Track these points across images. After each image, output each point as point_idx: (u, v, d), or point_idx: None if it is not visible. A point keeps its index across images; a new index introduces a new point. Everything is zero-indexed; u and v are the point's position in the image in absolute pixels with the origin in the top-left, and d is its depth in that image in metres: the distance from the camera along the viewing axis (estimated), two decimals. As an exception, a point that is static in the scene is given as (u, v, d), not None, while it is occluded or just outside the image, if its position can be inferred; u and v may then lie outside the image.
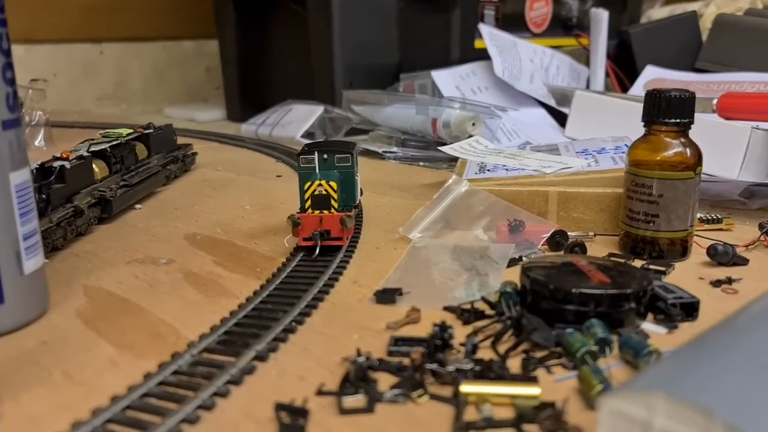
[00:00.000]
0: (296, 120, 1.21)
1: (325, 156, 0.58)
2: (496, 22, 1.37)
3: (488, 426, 0.34)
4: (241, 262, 0.58)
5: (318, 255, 0.55)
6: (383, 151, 1.04)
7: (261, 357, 0.41)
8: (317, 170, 0.57)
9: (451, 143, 0.92)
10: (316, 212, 0.55)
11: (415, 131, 1.08)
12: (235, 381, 0.38)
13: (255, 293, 0.49)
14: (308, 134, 1.19)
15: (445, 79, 1.17)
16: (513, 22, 1.44)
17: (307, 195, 0.55)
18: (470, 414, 0.35)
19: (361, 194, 0.64)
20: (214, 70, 1.82)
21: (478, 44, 1.39)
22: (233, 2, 1.48)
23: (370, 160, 1.03)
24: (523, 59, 1.19)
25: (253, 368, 0.39)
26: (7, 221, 0.43)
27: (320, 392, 0.37)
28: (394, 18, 1.35)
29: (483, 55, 1.24)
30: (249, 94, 1.55)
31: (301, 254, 0.57)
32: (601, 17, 1.17)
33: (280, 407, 0.35)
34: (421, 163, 1.01)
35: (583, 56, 1.37)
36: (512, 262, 0.55)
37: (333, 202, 0.55)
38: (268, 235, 0.65)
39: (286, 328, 0.44)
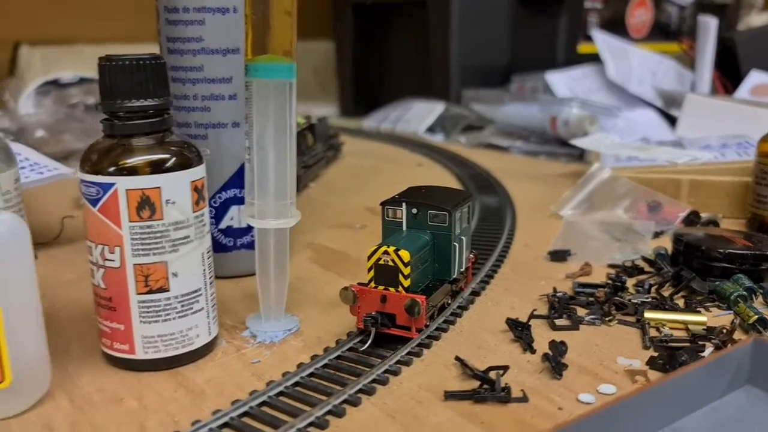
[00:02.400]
0: (418, 116, 1.35)
1: (415, 210, 0.46)
2: (599, 28, 1.48)
3: (670, 341, 0.46)
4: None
5: (374, 344, 0.43)
6: (508, 146, 1.17)
7: (476, 293, 0.54)
8: (404, 227, 0.46)
9: (569, 140, 1.04)
10: (380, 288, 0.43)
11: (533, 128, 1.20)
12: (464, 306, 0.51)
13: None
14: (429, 130, 1.33)
15: (558, 80, 1.28)
16: (614, 28, 1.54)
17: (370, 263, 0.43)
18: (652, 334, 0.47)
19: (473, 260, 0.52)
20: (322, 71, 1.97)
21: (581, 49, 1.51)
22: (352, 8, 1.62)
23: (496, 153, 1.15)
24: (633, 63, 1.30)
25: (473, 300, 0.52)
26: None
27: (533, 315, 0.49)
28: (506, 23, 1.47)
29: (586, 60, 1.35)
30: (362, 92, 1.70)
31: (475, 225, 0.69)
32: (709, 24, 1.26)
33: (509, 321, 0.48)
34: (542, 157, 1.13)
35: (686, 61, 1.47)
36: (654, 236, 0.67)
37: (401, 277, 0.42)
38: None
39: (487, 274, 0.57)
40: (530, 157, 1.13)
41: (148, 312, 0.40)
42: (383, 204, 0.47)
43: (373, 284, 0.43)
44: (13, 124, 1.03)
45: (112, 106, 0.39)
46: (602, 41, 1.29)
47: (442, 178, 0.96)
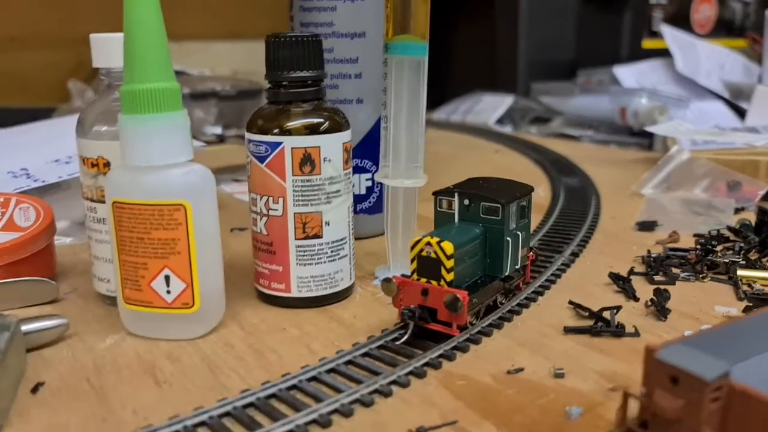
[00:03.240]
0: (488, 108, 1.40)
1: (467, 202, 0.44)
2: (663, 23, 1.52)
3: (762, 295, 0.51)
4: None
5: (411, 340, 0.41)
6: (578, 135, 1.22)
7: (575, 254, 0.59)
8: (456, 219, 0.45)
9: (639, 130, 1.09)
10: (422, 280, 0.41)
11: (602, 119, 1.24)
12: (567, 264, 0.57)
13: (536, 231, 0.68)
14: (498, 121, 1.38)
15: (626, 73, 1.33)
16: (678, 24, 1.58)
17: (413, 254, 0.42)
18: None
19: (533, 258, 0.49)
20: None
21: (646, 45, 1.55)
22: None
23: (567, 142, 1.20)
24: (701, 56, 1.34)
25: (573, 260, 0.58)
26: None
27: (632, 272, 0.55)
28: (572, 19, 1.52)
29: (650, 55, 1.40)
30: (430, 85, 1.76)
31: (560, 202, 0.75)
32: (777, 19, 1.30)
33: (611, 275, 0.53)
34: (612, 146, 1.18)
35: (752, 56, 1.50)
36: (734, 212, 0.72)
37: (444, 270, 0.40)
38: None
39: (582, 240, 0.63)
40: (601, 146, 1.17)
41: (303, 255, 0.47)
42: (436, 194, 0.45)
43: (415, 276, 0.42)
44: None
45: (278, 76, 0.46)
46: (670, 35, 1.33)
47: (521, 163, 1.02)
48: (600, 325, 0.45)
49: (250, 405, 0.36)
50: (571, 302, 0.48)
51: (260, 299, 0.50)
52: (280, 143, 0.45)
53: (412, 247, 0.42)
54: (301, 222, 0.46)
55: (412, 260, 0.42)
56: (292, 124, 0.45)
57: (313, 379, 0.38)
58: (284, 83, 0.46)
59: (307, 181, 0.46)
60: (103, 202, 0.46)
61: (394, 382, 0.38)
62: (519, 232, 0.45)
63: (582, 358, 0.41)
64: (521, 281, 0.49)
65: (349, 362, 0.40)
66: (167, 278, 0.42)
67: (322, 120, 0.46)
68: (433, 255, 0.41)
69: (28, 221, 0.51)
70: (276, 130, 0.45)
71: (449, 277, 0.41)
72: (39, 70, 1.53)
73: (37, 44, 1.55)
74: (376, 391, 0.37)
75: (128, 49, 0.40)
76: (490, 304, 0.45)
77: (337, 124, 0.47)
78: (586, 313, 0.47)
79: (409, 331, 0.41)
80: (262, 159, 0.46)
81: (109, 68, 0.47)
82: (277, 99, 0.47)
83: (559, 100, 1.33)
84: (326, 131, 0.46)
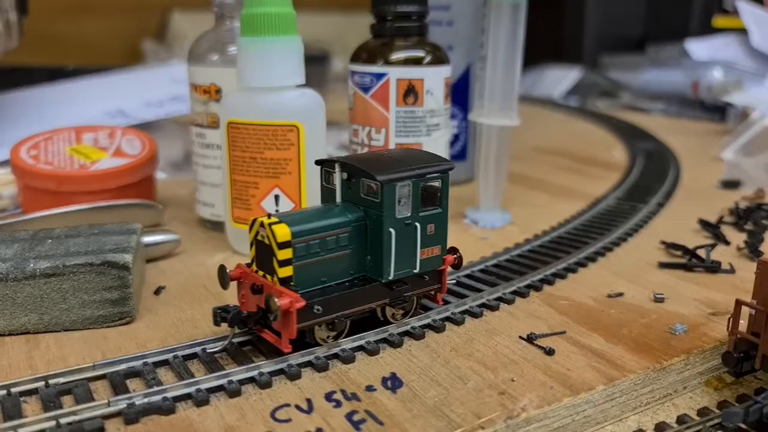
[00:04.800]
0: (554, 81, 1.41)
1: (346, 176, 0.35)
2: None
3: None
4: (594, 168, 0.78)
5: (233, 348, 0.33)
6: (647, 108, 1.22)
7: (661, 204, 0.60)
8: (337, 198, 0.35)
9: (711, 103, 1.09)
10: (260, 273, 0.33)
11: (672, 93, 1.24)
12: (654, 212, 0.58)
13: (619, 184, 0.69)
14: (566, 95, 1.39)
15: (699, 48, 1.32)
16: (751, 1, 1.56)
17: (251, 236, 0.33)
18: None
19: (454, 263, 0.37)
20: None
21: (716, 23, 1.53)
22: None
23: (637, 114, 1.21)
24: (777, 33, 1.32)
25: (659, 210, 0.59)
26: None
27: (722, 221, 0.56)
28: (642, -6, 1.52)
29: (720, 33, 1.39)
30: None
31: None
32: None
33: (701, 221, 0.54)
34: (684, 119, 1.17)
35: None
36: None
37: (276, 263, 0.31)
38: (601, 157, 0.85)
39: (666, 193, 0.64)
40: (671, 118, 1.17)
41: (403, 186, 0.49)
42: (318, 163, 0.36)
43: (255, 267, 0.33)
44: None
45: (384, 10, 0.48)
46: (747, 10, 1.32)
47: (593, 130, 1.03)
48: (694, 261, 0.46)
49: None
50: (663, 242, 0.50)
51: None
52: (385, 74, 0.47)
53: (251, 227, 0.33)
54: (402, 153, 0.48)
55: (251, 244, 0.33)
56: (397, 56, 0.47)
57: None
58: (389, 17, 0.48)
59: (410, 112, 0.48)
60: (214, 127, 0.49)
61: (499, 299, 0.40)
62: (416, 224, 0.34)
63: (679, 288, 0.43)
64: (435, 292, 0.37)
65: (454, 282, 0.42)
66: (277, 197, 0.44)
67: (425, 53, 0.48)
68: (266, 241, 0.32)
69: (134, 150, 0.54)
70: (381, 62, 0.47)
71: (283, 272, 0.31)
72: (109, 35, 1.59)
73: (107, 10, 1.61)
74: (483, 305, 0.39)
75: (250, -26, 0.42)
76: (368, 315, 0.35)
77: (440, 58, 0.48)
78: (679, 252, 0.48)
79: (230, 339, 0.33)
80: (366, 89, 0.48)
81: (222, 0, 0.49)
82: (383, 32, 0.49)
83: (626, 73, 1.33)
84: (430, 63, 0.48)
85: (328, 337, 0.33)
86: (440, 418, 0.29)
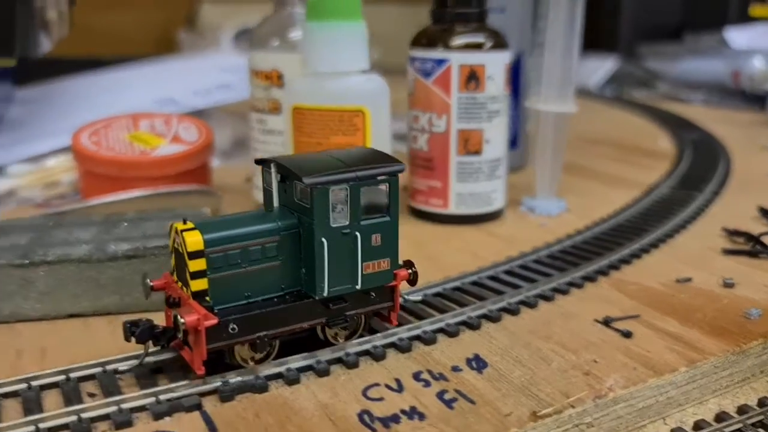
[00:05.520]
0: (589, 70, 1.40)
1: (280, 178, 0.31)
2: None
3: None
4: (641, 157, 0.78)
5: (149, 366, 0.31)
6: (687, 98, 1.22)
7: (716, 192, 0.60)
8: (275, 202, 0.32)
9: (753, 93, 1.09)
10: (179, 283, 0.30)
11: (712, 83, 1.23)
12: (710, 200, 0.58)
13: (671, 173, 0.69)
14: (601, 86, 1.38)
15: (738, 37, 1.31)
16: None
17: (170, 243, 0.30)
18: None
19: (407, 278, 0.33)
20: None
21: (754, 12, 1.52)
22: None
23: (677, 104, 1.20)
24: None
25: (713, 199, 0.59)
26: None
27: (763, 209, 0.56)
28: (678, -19, 1.51)
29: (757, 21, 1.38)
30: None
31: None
32: None
33: (761, 209, 0.54)
34: (725, 109, 1.17)
35: None
36: None
37: (188, 274, 0.29)
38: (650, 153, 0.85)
39: (720, 182, 0.64)
40: (712, 108, 1.17)
41: (463, 172, 0.49)
42: (258, 162, 0.32)
43: (175, 277, 0.31)
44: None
45: (445, -4, 0.48)
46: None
47: (633, 120, 1.02)
48: (758, 248, 0.46)
49: (441, 294, 0.38)
50: (725, 229, 0.50)
51: (414, 216, 0.52)
52: (447, 60, 0.47)
53: (169, 232, 0.30)
54: (464, 138, 0.49)
55: (171, 252, 0.30)
56: (459, 41, 0.48)
57: (490, 278, 0.41)
58: (449, 3, 0.49)
59: (472, 98, 0.48)
60: (275, 113, 0.49)
61: (569, 283, 0.40)
62: (356, 233, 0.30)
63: (747, 274, 0.43)
64: (387, 310, 0.33)
65: (522, 266, 0.42)
66: (342, 183, 0.45)
67: (486, 39, 0.48)
68: (180, 249, 0.29)
69: (191, 137, 0.55)
70: (442, 48, 0.48)
71: (196, 285, 0.28)
72: (138, 25, 1.61)
73: (136, 0, 1.64)
74: (554, 289, 0.39)
75: (318, -40, 0.43)
76: (301, 335, 0.31)
77: (500, 43, 0.49)
78: (742, 239, 0.48)
79: (143, 356, 0.30)
80: (427, 75, 0.48)
81: (282, -14, 0.50)
82: (443, 18, 0.49)
83: (665, 63, 1.33)
84: (491, 50, 0.48)
85: (252, 358, 0.30)
86: (530, 397, 0.29)
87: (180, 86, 0.72)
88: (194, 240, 0.28)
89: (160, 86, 0.73)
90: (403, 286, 0.34)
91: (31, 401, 0.28)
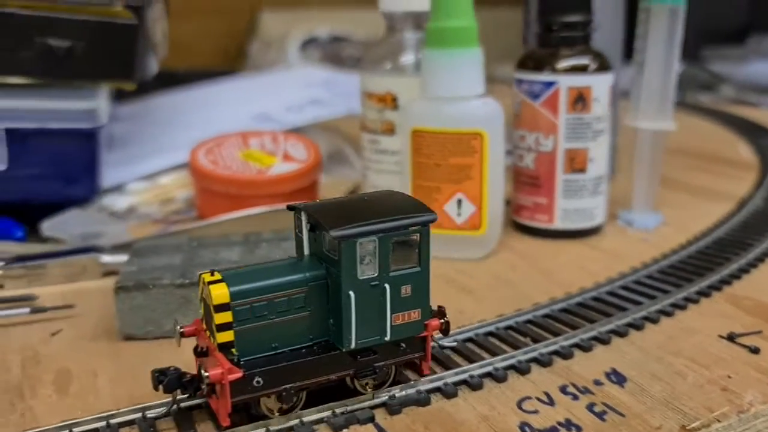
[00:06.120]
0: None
1: (310, 226, 0.31)
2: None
3: None
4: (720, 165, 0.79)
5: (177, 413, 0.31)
6: (756, 102, 1.22)
7: (809, 204, 0.62)
8: (306, 250, 0.31)
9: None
10: (207, 332, 0.30)
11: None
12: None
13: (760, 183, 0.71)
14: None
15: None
16: None
17: (199, 292, 0.30)
18: None
19: (440, 328, 0.32)
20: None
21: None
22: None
23: (746, 108, 1.20)
24: None
25: (808, 209, 0.60)
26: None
27: None
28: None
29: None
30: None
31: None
32: None
33: None
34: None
35: None
36: None
37: (214, 326, 0.29)
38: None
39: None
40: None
41: (569, 189, 0.51)
42: (289, 208, 0.32)
43: (204, 324, 0.31)
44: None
45: (551, 20, 0.51)
46: None
47: (705, 125, 1.03)
48: None
49: (567, 310, 0.41)
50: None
51: (517, 230, 0.55)
52: (555, 82, 0.50)
53: (198, 282, 0.30)
54: (570, 157, 0.51)
55: (200, 300, 0.30)
56: (566, 64, 0.50)
57: (609, 293, 0.43)
58: (555, 27, 0.51)
59: (578, 118, 0.50)
60: (388, 134, 0.52)
61: (686, 298, 0.42)
62: (386, 285, 0.30)
63: None
64: (419, 360, 0.33)
65: (636, 282, 0.45)
66: (459, 202, 0.47)
67: (591, 61, 0.50)
68: (207, 300, 0.29)
69: (300, 154, 0.58)
70: (550, 71, 0.50)
71: (222, 337, 0.29)
72: (198, 36, 1.65)
73: (196, 11, 1.68)
74: (673, 304, 0.41)
75: (438, -10, 0.45)
76: (333, 385, 0.31)
77: (605, 65, 0.51)
78: None
79: (172, 403, 0.30)
80: (535, 97, 0.51)
81: (392, 11, 0.52)
82: (549, 42, 0.51)
83: (730, 66, 1.33)
84: (596, 72, 0.50)
85: (279, 408, 0.30)
86: (675, 410, 0.31)
87: (272, 102, 0.75)
88: (220, 293, 0.28)
89: (253, 102, 0.76)
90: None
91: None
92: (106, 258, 0.46)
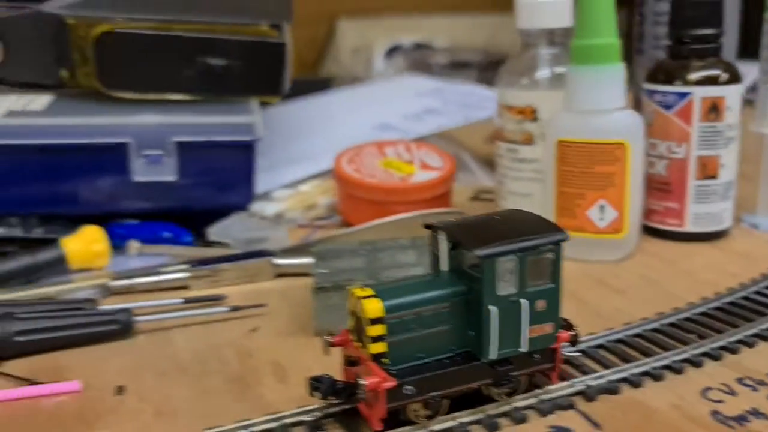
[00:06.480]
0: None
1: (451, 246, 0.33)
2: None
3: None
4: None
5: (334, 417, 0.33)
6: None
7: None
8: (442, 266, 0.34)
9: None
10: (357, 343, 0.32)
11: None
12: None
13: None
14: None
15: None
16: None
17: (350, 305, 0.33)
18: None
19: (568, 339, 0.35)
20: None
21: None
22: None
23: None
24: None
25: None
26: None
27: None
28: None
29: None
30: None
31: None
32: None
33: None
34: None
35: None
36: None
37: (366, 339, 0.31)
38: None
39: None
40: None
41: (700, 194, 0.54)
42: (428, 227, 0.34)
43: (354, 335, 0.33)
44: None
45: (682, 33, 0.53)
46: None
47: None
48: None
49: (721, 309, 0.44)
50: None
51: (647, 233, 0.57)
52: (689, 93, 0.52)
53: (349, 297, 0.33)
54: (701, 164, 0.54)
55: (350, 313, 0.33)
56: (698, 75, 0.53)
57: (756, 293, 0.46)
58: (687, 40, 0.54)
59: (711, 127, 0.53)
60: (527, 144, 0.55)
61: (833, 299, 0.45)
62: (522, 300, 0.32)
63: None
64: (548, 371, 0.35)
65: (779, 283, 0.47)
66: (602, 207, 0.51)
67: (723, 72, 0.53)
68: (359, 314, 0.31)
69: (435, 162, 0.62)
70: (682, 82, 0.53)
71: (374, 348, 0.31)
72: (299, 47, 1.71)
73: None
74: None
75: (584, 9, 0.49)
76: (466, 393, 0.33)
77: (736, 76, 0.54)
78: None
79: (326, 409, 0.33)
80: (668, 107, 0.53)
81: (528, 29, 0.56)
82: (680, 54, 0.54)
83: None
84: (728, 83, 0.53)
85: (426, 415, 0.32)
86: None
87: (389, 111, 0.79)
88: (374, 307, 0.30)
89: (370, 111, 0.80)
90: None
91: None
92: (278, 261, 0.51)
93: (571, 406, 0.34)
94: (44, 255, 0.50)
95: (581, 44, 0.49)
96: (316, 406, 0.33)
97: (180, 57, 0.56)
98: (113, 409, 0.36)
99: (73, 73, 0.56)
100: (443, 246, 0.33)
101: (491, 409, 0.33)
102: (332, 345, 0.33)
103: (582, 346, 0.39)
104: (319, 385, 0.31)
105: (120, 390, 0.38)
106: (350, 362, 0.33)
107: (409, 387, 0.31)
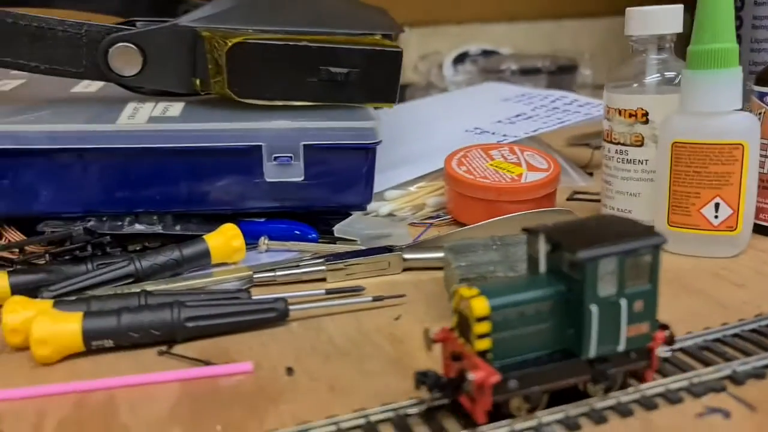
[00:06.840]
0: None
1: (551, 248, 0.35)
2: None
3: None
4: None
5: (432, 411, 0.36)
6: None
7: None
8: (541, 269, 0.35)
9: None
10: (461, 340, 0.34)
11: None
12: None
13: None
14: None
15: None
16: None
17: (454, 303, 0.34)
18: None
19: (663, 340, 0.36)
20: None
21: None
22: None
23: None
24: None
25: None
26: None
27: None
28: None
29: None
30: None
31: None
32: None
33: None
34: None
35: None
36: None
37: (472, 336, 0.33)
38: None
39: None
40: None
41: (807, 193, 0.56)
42: (525, 230, 0.36)
43: (457, 333, 0.35)
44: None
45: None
46: None
47: None
48: None
49: None
50: None
51: (756, 231, 0.59)
52: (798, 96, 0.54)
53: (453, 296, 0.35)
54: (811, 164, 0.55)
55: (454, 311, 0.35)
56: (809, 79, 0.54)
57: None
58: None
59: (820, 127, 0.54)
60: (637, 145, 0.57)
61: None
62: (621, 301, 0.34)
63: None
64: (643, 369, 0.36)
65: None
66: (717, 205, 0.52)
67: (833, 76, 0.55)
68: (465, 312, 0.33)
69: (540, 164, 0.64)
70: (792, 85, 0.55)
71: (480, 345, 0.33)
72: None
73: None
74: None
75: (705, 15, 0.51)
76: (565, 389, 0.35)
77: None
78: None
79: (430, 401, 0.35)
80: (781, 110, 0.55)
81: (638, 35, 0.58)
82: (789, 58, 0.56)
83: None
84: (839, 85, 0.54)
85: (527, 409, 0.34)
86: None
87: (481, 117, 0.82)
88: (481, 306, 0.32)
89: (465, 116, 0.83)
90: None
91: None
92: (408, 255, 0.53)
93: (722, 389, 0.36)
94: (190, 249, 0.54)
95: (701, 49, 0.51)
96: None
97: (306, 66, 0.59)
98: (289, 387, 0.39)
99: (206, 82, 0.59)
100: (542, 248, 0.35)
101: (595, 402, 0.35)
102: (434, 341, 0.35)
103: (718, 335, 0.41)
104: (425, 379, 0.33)
105: (290, 371, 0.41)
106: (453, 358, 0.34)
107: (513, 381, 0.33)
